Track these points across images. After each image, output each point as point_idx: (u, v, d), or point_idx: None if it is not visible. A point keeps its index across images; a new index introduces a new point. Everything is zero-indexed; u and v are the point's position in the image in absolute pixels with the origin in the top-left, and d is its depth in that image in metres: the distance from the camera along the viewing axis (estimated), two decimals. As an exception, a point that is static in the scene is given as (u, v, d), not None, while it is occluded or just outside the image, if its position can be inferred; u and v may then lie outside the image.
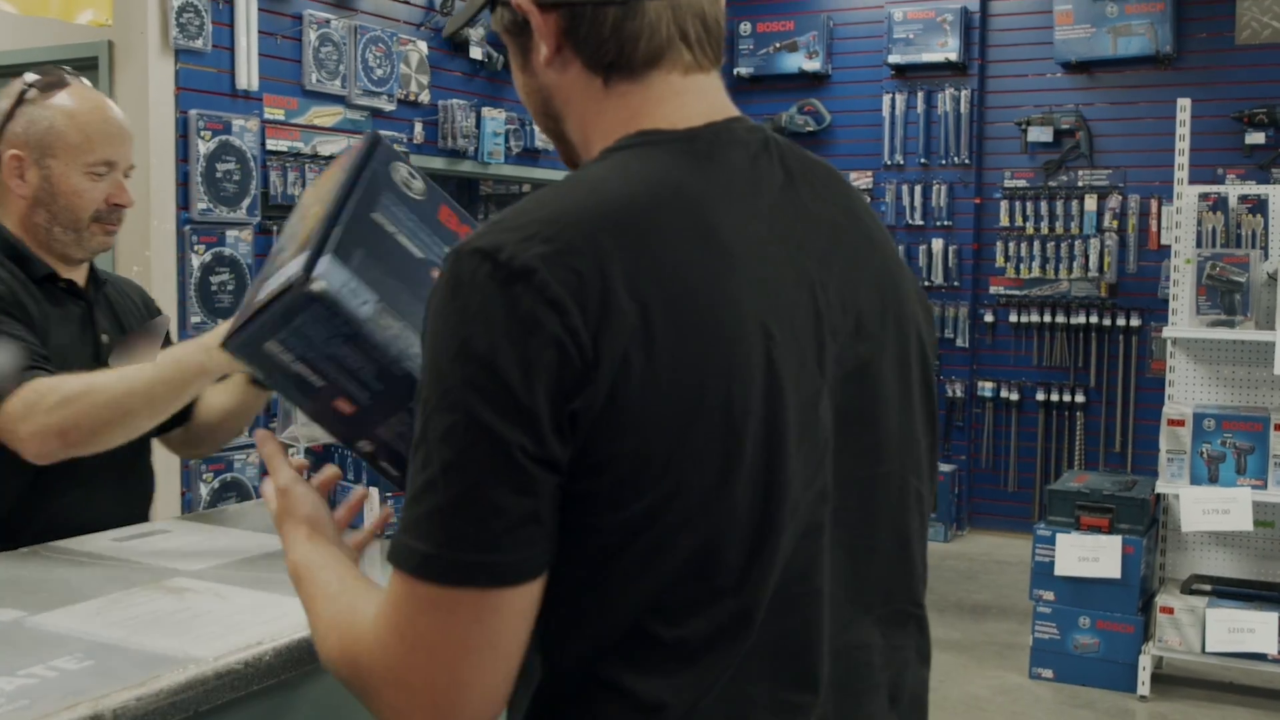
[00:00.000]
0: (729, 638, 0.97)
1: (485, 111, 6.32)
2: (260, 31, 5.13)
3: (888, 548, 1.11)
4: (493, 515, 0.91)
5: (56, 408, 1.86)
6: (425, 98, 5.98)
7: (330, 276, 1.14)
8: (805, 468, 0.99)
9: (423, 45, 5.95)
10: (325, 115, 5.49)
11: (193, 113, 4.86)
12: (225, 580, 1.77)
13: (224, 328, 2.02)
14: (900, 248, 7.51)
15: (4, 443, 1.91)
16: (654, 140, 1.03)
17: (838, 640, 1.06)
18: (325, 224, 1.18)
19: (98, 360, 2.12)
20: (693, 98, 1.07)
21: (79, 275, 2.19)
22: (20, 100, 2.13)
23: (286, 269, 1.17)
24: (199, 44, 4.86)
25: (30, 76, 2.17)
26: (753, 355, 0.95)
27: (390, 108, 5.76)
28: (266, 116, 5.20)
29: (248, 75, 5.08)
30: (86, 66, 4.84)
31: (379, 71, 5.66)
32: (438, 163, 6.18)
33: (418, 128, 5.99)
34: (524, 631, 0.95)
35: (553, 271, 0.90)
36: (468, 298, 0.91)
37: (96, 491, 2.11)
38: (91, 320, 2.17)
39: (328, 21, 5.44)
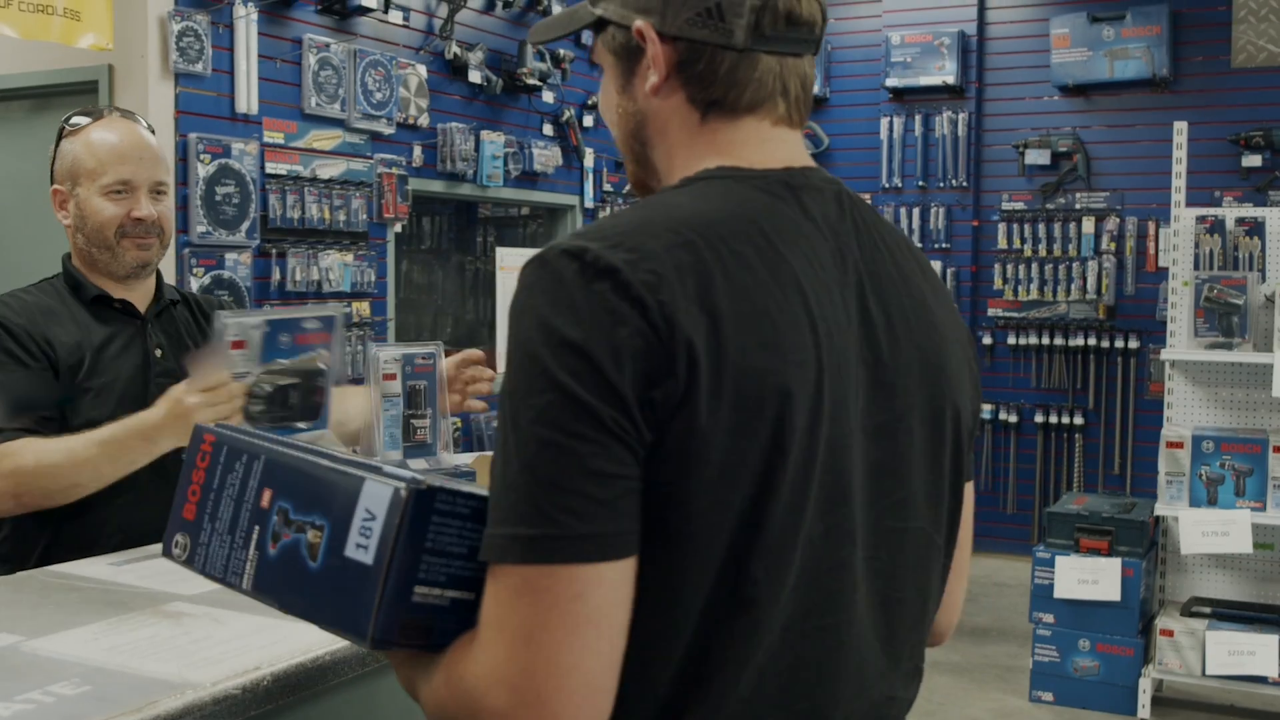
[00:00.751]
0: (741, 653, 0.99)
1: (484, 134, 6.33)
2: (260, 55, 5.14)
3: (913, 602, 1.15)
4: (596, 485, 0.93)
5: (10, 475, 2.08)
6: (424, 121, 5.99)
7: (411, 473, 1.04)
8: (824, 501, 1.02)
9: (422, 69, 5.97)
10: (325, 139, 5.50)
11: (192, 136, 4.87)
12: (223, 605, 1.76)
13: (158, 410, 2.09)
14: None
15: None
16: (733, 175, 1.09)
17: (874, 691, 1.10)
18: (354, 465, 1.08)
19: (147, 370, 2.30)
20: (775, 145, 1.13)
21: (137, 296, 2.35)
22: (59, 139, 2.32)
23: (370, 506, 1.03)
24: (199, 68, 4.88)
25: (72, 117, 2.33)
26: (806, 382, 1.00)
27: (389, 131, 5.78)
28: (266, 140, 5.21)
29: (247, 99, 5.09)
30: (87, 90, 4.86)
31: (378, 95, 5.68)
32: (436, 185, 6.19)
33: (417, 151, 6.00)
34: (624, 613, 0.96)
35: (633, 273, 0.95)
36: (556, 292, 0.96)
37: (153, 495, 2.16)
38: (142, 336, 2.33)
39: (327, 45, 5.45)
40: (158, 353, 2.33)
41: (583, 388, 0.93)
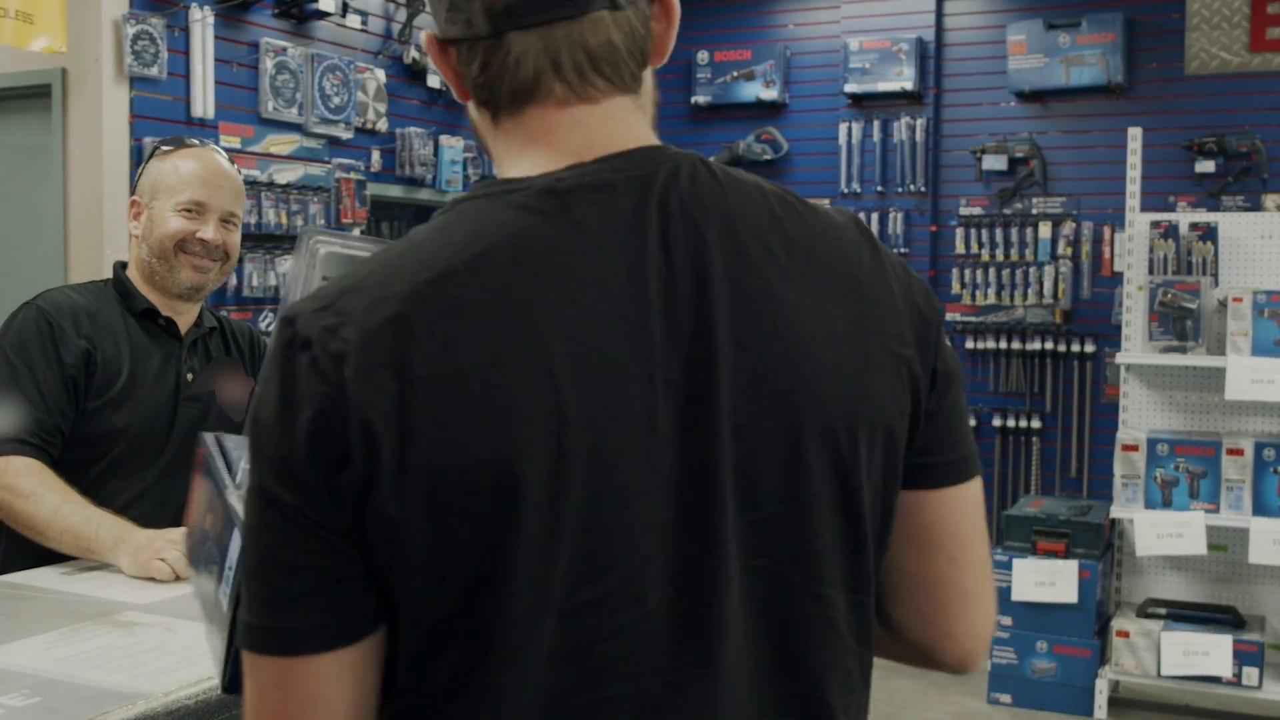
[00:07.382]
0: None
1: (443, 139, 6.31)
2: (216, 59, 5.11)
3: (772, 654, 0.98)
4: (287, 579, 0.89)
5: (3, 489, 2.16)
6: (383, 126, 5.97)
7: None
8: (587, 569, 0.90)
9: (380, 73, 5.94)
10: (282, 143, 5.46)
11: (148, 140, 4.82)
12: (176, 614, 1.75)
13: (123, 549, 2.07)
14: (857, 275, 7.54)
15: None
16: (489, 194, 0.96)
17: None
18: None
19: (177, 392, 2.39)
20: (565, 133, 0.98)
21: (183, 320, 2.45)
22: (148, 159, 2.47)
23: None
24: (154, 71, 4.84)
25: (164, 144, 2.48)
26: (534, 441, 0.87)
27: (347, 136, 5.75)
28: (222, 144, 5.17)
29: (203, 103, 5.05)
30: (39, 94, 4.81)
31: (336, 99, 5.65)
32: (395, 191, 6.16)
33: (375, 155, 5.98)
34: (343, 702, 0.91)
35: (325, 345, 0.88)
36: (271, 365, 0.91)
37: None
38: (179, 358, 2.42)
39: (284, 49, 5.42)
40: (189, 376, 2.42)
41: (271, 474, 0.88)
